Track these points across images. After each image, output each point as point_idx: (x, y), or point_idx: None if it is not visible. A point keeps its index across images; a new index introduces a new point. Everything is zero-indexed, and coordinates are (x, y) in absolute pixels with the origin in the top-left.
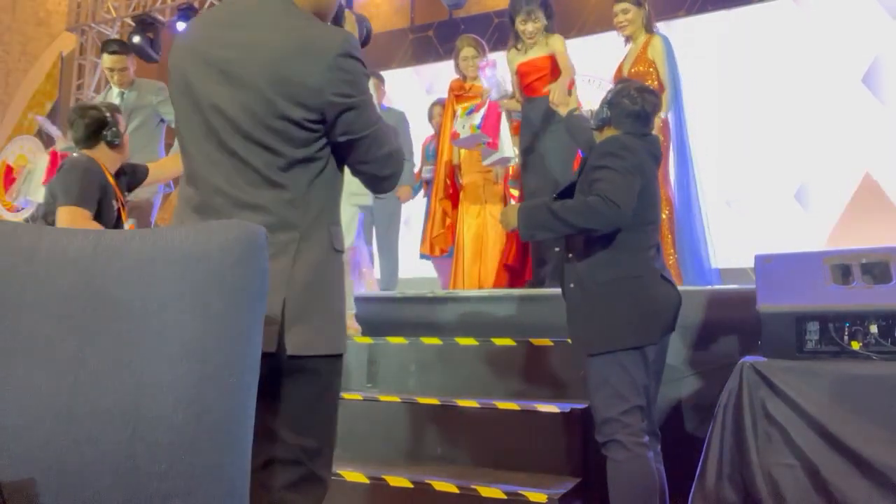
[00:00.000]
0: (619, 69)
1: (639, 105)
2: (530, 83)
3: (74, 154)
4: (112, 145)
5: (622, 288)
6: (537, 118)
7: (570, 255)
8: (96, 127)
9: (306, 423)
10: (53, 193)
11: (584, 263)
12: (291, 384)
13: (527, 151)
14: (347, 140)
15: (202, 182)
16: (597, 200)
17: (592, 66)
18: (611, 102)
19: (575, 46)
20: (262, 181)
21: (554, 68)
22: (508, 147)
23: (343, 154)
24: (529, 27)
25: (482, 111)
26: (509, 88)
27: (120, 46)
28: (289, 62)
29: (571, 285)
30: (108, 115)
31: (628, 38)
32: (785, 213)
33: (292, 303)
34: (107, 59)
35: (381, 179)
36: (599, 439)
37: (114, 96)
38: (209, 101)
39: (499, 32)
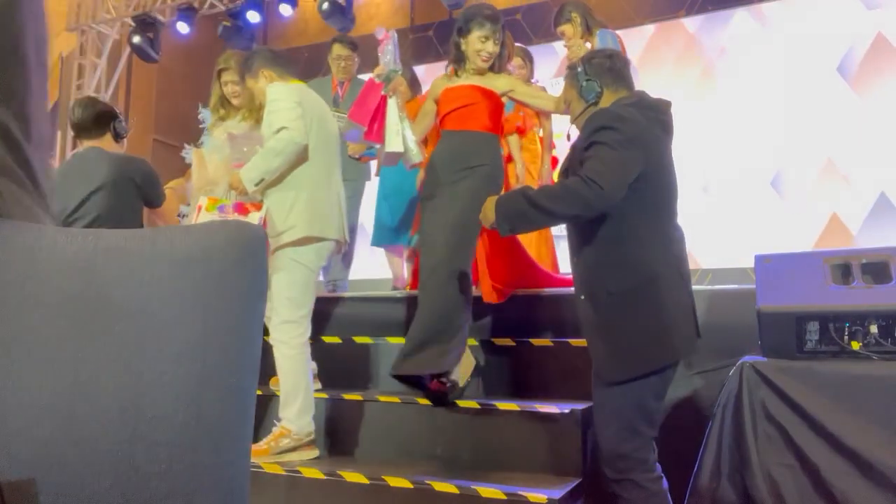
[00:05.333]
0: None
1: (609, 60)
2: (453, 111)
3: (90, 148)
4: (119, 137)
5: (637, 300)
6: (450, 157)
7: (575, 258)
8: (107, 117)
9: None
10: (126, 198)
11: (591, 267)
12: None
13: (430, 195)
14: None
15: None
16: (576, 181)
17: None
18: (587, 73)
19: (561, 48)
20: None
21: (483, 99)
22: (396, 139)
23: None
24: (490, 47)
25: (228, 211)
26: (395, 67)
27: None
28: None
29: (582, 297)
30: (115, 108)
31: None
32: (761, 201)
33: None
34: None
35: None
36: (610, 475)
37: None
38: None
39: None
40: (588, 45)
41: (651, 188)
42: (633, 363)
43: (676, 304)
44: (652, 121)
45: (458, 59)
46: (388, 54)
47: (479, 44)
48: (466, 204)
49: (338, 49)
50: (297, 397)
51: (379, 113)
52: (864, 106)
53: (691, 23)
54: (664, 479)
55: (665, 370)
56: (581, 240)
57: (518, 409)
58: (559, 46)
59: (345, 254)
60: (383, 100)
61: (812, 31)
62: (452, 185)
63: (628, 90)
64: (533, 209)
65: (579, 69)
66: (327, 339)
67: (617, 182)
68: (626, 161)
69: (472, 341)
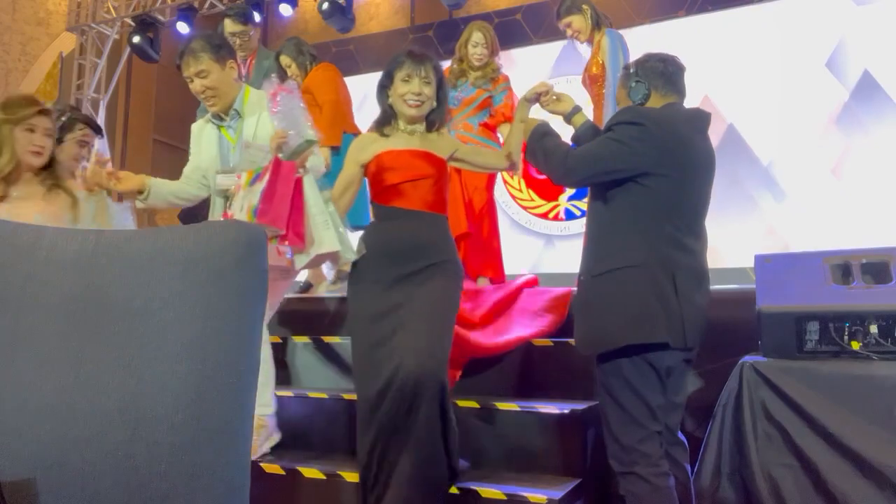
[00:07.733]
0: (586, 69)
1: (663, 65)
2: (399, 184)
3: None
4: None
5: (610, 281)
6: (406, 244)
7: (585, 239)
8: None
9: None
10: None
11: (590, 251)
12: None
13: (378, 286)
14: None
15: None
16: (565, 151)
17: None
18: (638, 74)
19: (561, 48)
20: None
21: (435, 172)
22: (329, 234)
23: None
24: (416, 87)
25: (265, 179)
26: (310, 134)
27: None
28: None
29: (582, 277)
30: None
31: (590, 42)
32: (756, 199)
33: None
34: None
35: None
36: (616, 468)
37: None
38: None
39: (499, 33)
40: (589, 44)
41: (662, 188)
42: (599, 338)
43: (656, 298)
44: (688, 127)
45: (385, 119)
46: (290, 115)
47: (402, 86)
48: (445, 309)
49: (229, 26)
50: (271, 381)
51: (297, 203)
52: (854, 103)
53: (691, 22)
54: (671, 476)
55: (643, 353)
56: (590, 224)
57: (518, 409)
58: (559, 47)
59: None
60: (298, 183)
61: (803, 28)
62: (413, 281)
63: (678, 96)
64: (536, 151)
65: (631, 70)
66: (327, 339)
67: (587, 170)
68: (612, 155)
69: None
